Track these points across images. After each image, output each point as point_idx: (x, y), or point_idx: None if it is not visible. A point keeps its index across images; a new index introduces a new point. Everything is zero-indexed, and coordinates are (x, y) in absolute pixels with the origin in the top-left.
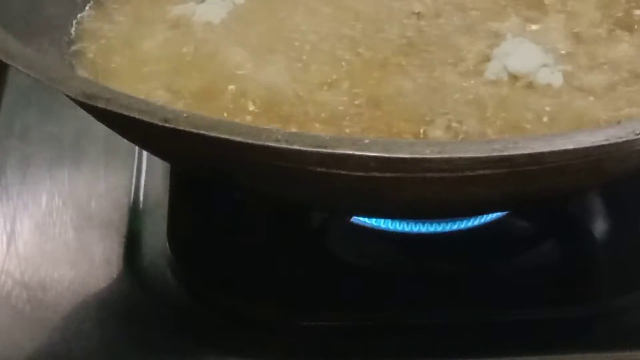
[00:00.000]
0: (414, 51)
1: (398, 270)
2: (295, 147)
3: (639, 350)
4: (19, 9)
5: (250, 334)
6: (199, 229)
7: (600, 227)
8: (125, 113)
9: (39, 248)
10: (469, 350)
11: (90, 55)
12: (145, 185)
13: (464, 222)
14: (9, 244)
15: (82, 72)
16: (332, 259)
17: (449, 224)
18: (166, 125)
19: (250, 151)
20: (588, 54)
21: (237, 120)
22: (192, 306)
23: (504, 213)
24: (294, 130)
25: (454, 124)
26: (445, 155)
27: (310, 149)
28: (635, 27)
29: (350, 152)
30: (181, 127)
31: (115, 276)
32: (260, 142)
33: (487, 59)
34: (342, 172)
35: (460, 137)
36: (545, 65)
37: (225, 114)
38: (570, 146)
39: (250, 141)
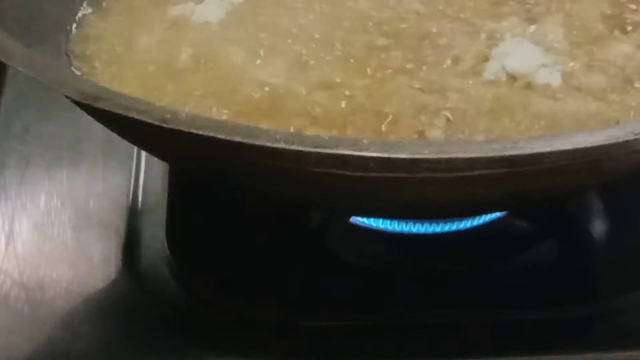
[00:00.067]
0: (413, 51)
1: (398, 270)
2: (294, 147)
3: (639, 350)
4: (19, 9)
5: (250, 334)
6: (198, 229)
7: (599, 227)
8: (124, 113)
9: (38, 248)
10: (469, 350)
11: (90, 55)
12: (144, 185)
13: (464, 222)
14: (7, 244)
15: (81, 73)
16: (332, 259)
17: (449, 224)
18: (165, 125)
19: (249, 151)
20: (587, 54)
21: (235, 120)
22: (191, 306)
23: (504, 213)
24: (292, 130)
25: (452, 124)
26: (445, 156)
27: (309, 149)
28: (635, 27)
29: (349, 152)
30: (180, 128)
31: (114, 276)
32: (259, 143)
33: (485, 59)
34: (341, 172)
35: (460, 137)
36: (543, 65)
37: (224, 115)
38: (569, 146)
39: (249, 141)
